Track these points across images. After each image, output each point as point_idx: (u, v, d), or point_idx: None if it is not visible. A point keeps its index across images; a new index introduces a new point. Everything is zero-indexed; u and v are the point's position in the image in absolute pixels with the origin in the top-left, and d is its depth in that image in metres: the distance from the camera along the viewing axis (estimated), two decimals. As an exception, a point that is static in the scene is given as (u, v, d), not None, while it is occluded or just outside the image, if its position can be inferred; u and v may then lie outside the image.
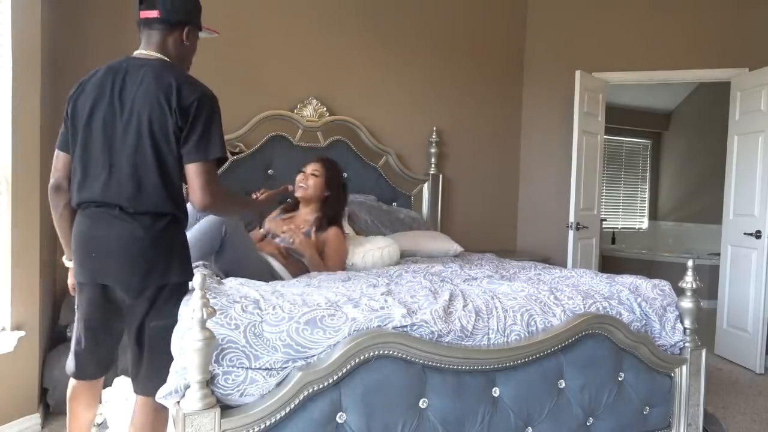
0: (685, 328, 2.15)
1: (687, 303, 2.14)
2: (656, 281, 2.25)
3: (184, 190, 1.68)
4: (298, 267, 2.53)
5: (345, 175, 3.14)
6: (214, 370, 1.40)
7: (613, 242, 7.12)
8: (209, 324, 1.38)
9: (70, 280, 1.85)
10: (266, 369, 1.45)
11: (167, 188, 1.61)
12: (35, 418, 2.47)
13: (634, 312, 2.07)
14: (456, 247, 3.41)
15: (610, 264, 6.08)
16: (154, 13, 1.65)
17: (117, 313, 1.70)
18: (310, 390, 1.46)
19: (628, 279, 2.27)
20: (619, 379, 1.98)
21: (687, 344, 2.13)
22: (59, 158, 1.72)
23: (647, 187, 7.53)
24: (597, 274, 2.37)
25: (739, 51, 4.02)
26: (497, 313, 1.81)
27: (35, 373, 2.49)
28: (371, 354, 1.54)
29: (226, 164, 3.30)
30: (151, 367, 1.63)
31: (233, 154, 3.37)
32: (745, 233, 3.75)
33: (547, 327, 1.85)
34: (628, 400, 1.99)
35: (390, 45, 3.98)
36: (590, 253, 4.31)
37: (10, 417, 2.37)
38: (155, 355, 1.62)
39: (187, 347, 1.31)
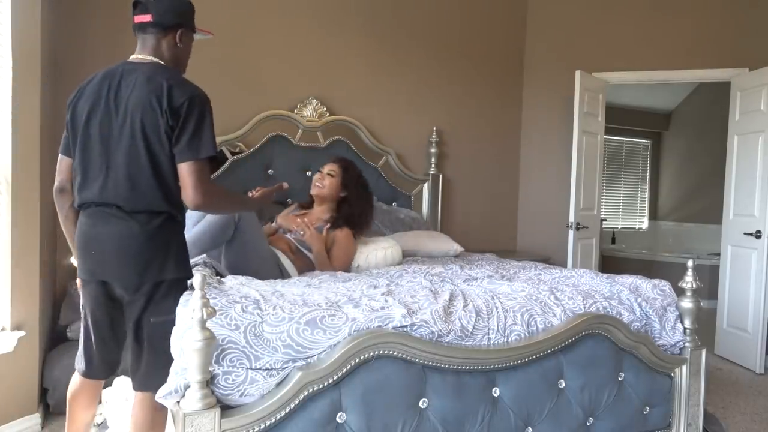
0: (685, 328, 2.15)
1: (687, 303, 2.14)
2: (656, 281, 2.25)
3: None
4: (305, 263, 2.53)
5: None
6: (214, 370, 1.40)
7: (613, 242, 7.12)
8: (209, 324, 1.38)
9: (79, 280, 1.87)
10: (266, 369, 1.45)
11: (162, 187, 1.64)
12: (35, 418, 2.47)
13: (634, 312, 2.07)
14: (456, 247, 3.41)
15: (610, 264, 6.08)
16: (147, 17, 1.70)
17: (119, 311, 1.72)
18: (310, 390, 1.46)
19: (628, 279, 2.26)
20: (619, 379, 1.98)
21: (687, 344, 2.13)
22: (62, 162, 1.78)
23: (647, 187, 7.53)
24: (597, 274, 2.37)
25: (739, 51, 4.02)
26: (497, 313, 1.81)
27: (35, 373, 2.49)
28: (371, 354, 1.54)
29: (227, 164, 3.31)
30: (150, 364, 1.65)
31: (233, 154, 3.37)
32: (745, 233, 3.75)
33: (547, 327, 1.85)
34: (628, 400, 1.99)
35: (390, 45, 3.98)
36: (590, 253, 4.31)
37: (10, 417, 2.37)
38: (154, 351, 1.65)
39: (187, 347, 1.31)
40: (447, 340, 1.67)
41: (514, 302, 1.88)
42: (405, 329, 1.61)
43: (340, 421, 1.51)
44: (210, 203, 1.67)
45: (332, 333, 1.52)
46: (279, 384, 1.46)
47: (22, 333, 2.37)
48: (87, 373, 1.81)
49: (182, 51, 1.80)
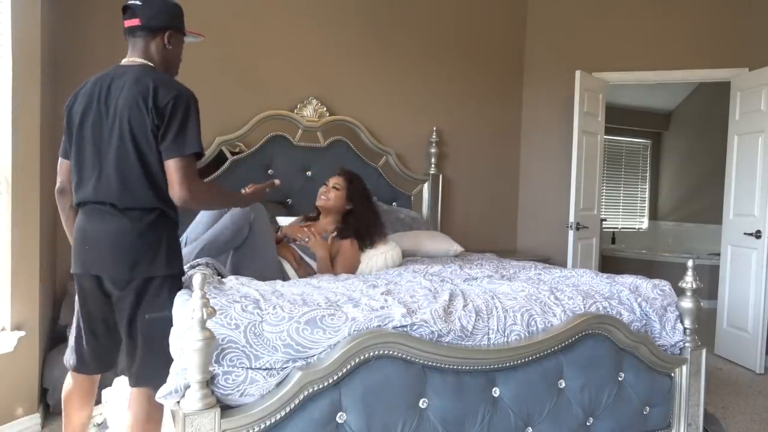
0: (685, 328, 2.15)
1: (687, 303, 2.14)
2: (656, 281, 2.25)
3: None
4: (308, 274, 2.56)
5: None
6: (214, 370, 1.40)
7: (613, 242, 7.12)
8: (209, 324, 1.38)
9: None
10: (266, 369, 1.45)
11: (152, 185, 1.69)
12: (35, 418, 2.47)
13: (635, 312, 2.07)
14: (456, 247, 3.41)
15: (610, 264, 6.08)
16: (135, 21, 1.76)
17: (111, 306, 1.75)
18: (310, 390, 1.46)
19: (628, 279, 2.26)
20: (619, 379, 1.98)
21: (687, 344, 2.13)
22: (62, 165, 1.86)
23: (647, 187, 7.53)
24: (597, 274, 2.37)
25: (739, 51, 4.02)
26: (497, 313, 1.81)
27: (35, 373, 2.49)
28: (371, 354, 1.54)
29: (226, 164, 3.31)
30: (144, 359, 1.69)
31: (233, 154, 3.37)
32: (745, 233, 3.75)
33: (547, 327, 1.85)
34: (628, 400, 1.99)
35: (390, 45, 3.98)
36: (590, 253, 4.31)
37: (10, 417, 2.37)
38: (147, 347, 1.69)
39: (187, 347, 1.31)
40: (447, 340, 1.67)
41: (514, 302, 1.88)
42: (405, 329, 1.61)
43: (340, 421, 1.51)
44: (196, 199, 1.69)
45: (332, 333, 1.52)
46: (279, 384, 1.46)
47: (22, 333, 2.37)
48: (77, 368, 1.84)
49: (172, 53, 1.85)
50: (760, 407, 3.03)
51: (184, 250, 2.20)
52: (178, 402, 1.38)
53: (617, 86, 4.71)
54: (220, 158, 3.32)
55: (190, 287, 1.78)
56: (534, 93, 4.55)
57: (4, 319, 2.35)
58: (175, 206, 1.74)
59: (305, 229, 2.66)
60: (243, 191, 2.15)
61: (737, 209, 3.91)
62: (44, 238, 2.57)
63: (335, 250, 2.65)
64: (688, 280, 2.14)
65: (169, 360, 1.50)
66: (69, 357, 1.85)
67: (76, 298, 1.80)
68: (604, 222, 5.78)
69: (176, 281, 1.77)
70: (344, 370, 1.50)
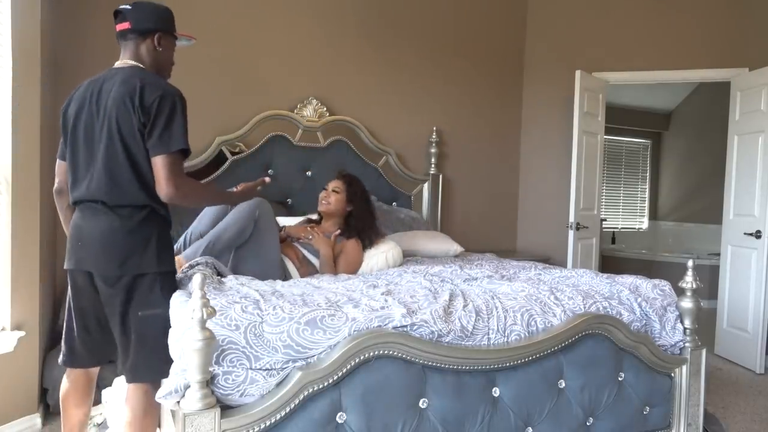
0: (685, 328, 2.15)
1: (687, 303, 2.14)
2: (656, 281, 2.25)
3: None
4: (310, 273, 2.56)
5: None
6: (214, 370, 1.40)
7: (613, 242, 7.12)
8: (209, 324, 1.38)
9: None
10: (266, 369, 1.45)
11: (141, 183, 1.71)
12: (35, 418, 2.47)
13: (634, 312, 2.07)
14: (456, 247, 3.41)
15: (610, 264, 6.08)
16: (126, 25, 1.80)
17: (102, 303, 1.76)
18: (310, 390, 1.46)
19: (628, 279, 2.27)
20: (619, 379, 1.98)
21: (687, 344, 2.13)
22: (59, 166, 1.91)
23: (647, 187, 7.53)
24: (597, 274, 2.37)
25: (739, 51, 4.02)
26: (497, 313, 1.81)
27: (35, 373, 2.49)
28: (371, 354, 1.54)
29: (227, 164, 3.31)
30: (138, 355, 1.70)
31: (233, 154, 3.37)
32: (745, 233, 3.75)
33: (547, 327, 1.85)
34: (628, 400, 1.99)
35: (390, 45, 3.98)
36: (590, 253, 4.31)
37: (10, 417, 2.37)
38: (141, 343, 1.70)
39: (187, 347, 1.32)
40: (447, 340, 1.67)
41: (514, 302, 1.88)
42: (405, 329, 1.61)
43: (340, 421, 1.51)
44: (182, 196, 1.71)
45: (332, 333, 1.52)
46: (279, 384, 1.46)
47: (22, 333, 2.37)
48: (69, 361, 1.85)
49: (162, 55, 1.87)
50: (760, 407, 3.03)
51: (188, 249, 2.21)
52: (178, 402, 1.38)
53: (617, 86, 4.71)
54: (220, 158, 3.32)
55: (189, 287, 1.78)
56: (534, 93, 4.55)
57: (4, 319, 2.35)
58: (166, 204, 1.76)
59: (308, 228, 2.69)
60: (234, 189, 2.16)
61: (737, 209, 3.91)
62: (44, 239, 2.57)
63: (338, 249, 2.67)
64: (688, 280, 2.15)
65: (163, 356, 1.51)
66: (62, 353, 1.87)
67: (69, 293, 1.83)
68: (604, 222, 5.79)
69: (168, 278, 1.78)
70: (344, 370, 1.50)
